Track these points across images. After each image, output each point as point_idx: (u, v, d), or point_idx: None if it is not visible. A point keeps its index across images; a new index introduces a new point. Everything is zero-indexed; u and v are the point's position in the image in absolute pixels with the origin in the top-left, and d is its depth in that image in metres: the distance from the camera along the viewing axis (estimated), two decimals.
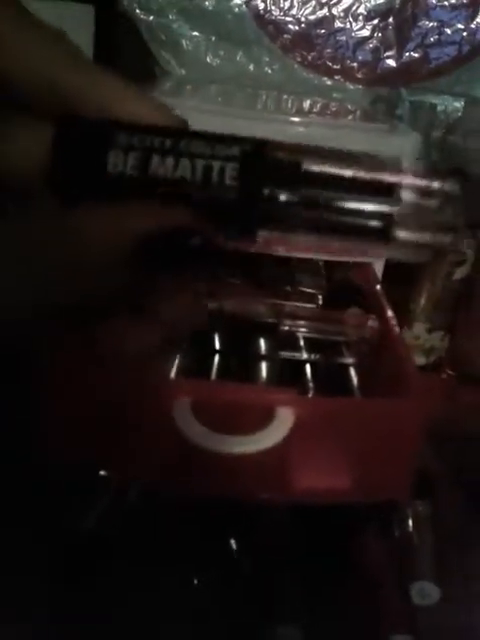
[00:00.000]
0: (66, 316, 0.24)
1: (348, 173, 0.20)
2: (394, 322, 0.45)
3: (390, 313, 0.47)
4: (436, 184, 0.20)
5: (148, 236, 0.20)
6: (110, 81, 0.21)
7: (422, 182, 0.20)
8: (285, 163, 0.20)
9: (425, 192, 0.20)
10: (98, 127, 0.20)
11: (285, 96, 0.68)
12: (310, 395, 0.44)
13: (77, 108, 0.21)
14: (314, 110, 0.66)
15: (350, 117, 0.64)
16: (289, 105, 0.67)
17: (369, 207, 0.20)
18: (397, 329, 0.45)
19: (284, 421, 0.35)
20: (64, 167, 0.20)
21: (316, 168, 0.20)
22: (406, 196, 0.20)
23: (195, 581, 0.40)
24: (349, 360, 0.47)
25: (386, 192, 0.20)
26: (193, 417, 0.35)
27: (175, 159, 0.20)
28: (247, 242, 0.21)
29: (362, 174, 0.20)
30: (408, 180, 0.20)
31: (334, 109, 0.67)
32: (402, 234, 0.20)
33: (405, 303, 0.68)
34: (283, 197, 0.20)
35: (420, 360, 0.69)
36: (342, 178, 0.20)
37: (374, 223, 0.20)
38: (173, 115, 0.22)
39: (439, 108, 0.71)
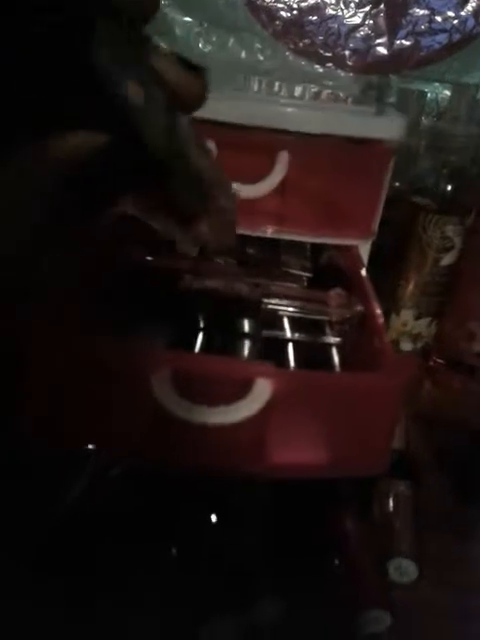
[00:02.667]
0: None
1: None
2: (376, 304, 0.46)
3: (373, 295, 0.47)
4: None
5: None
6: None
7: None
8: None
9: None
10: None
11: (277, 83, 0.68)
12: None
13: None
14: (306, 97, 0.67)
15: (341, 97, 0.64)
16: (281, 92, 0.67)
17: None
18: (379, 310, 0.45)
19: (261, 393, 0.35)
20: None
21: None
22: None
23: (174, 551, 0.40)
24: (331, 340, 0.47)
25: None
26: (171, 387, 0.35)
27: None
28: None
29: None
30: None
31: (325, 97, 0.67)
32: None
33: (393, 290, 0.68)
34: None
35: (407, 346, 0.69)
36: None
37: None
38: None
39: (429, 96, 0.71)
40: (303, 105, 0.52)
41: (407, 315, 0.68)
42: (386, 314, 0.68)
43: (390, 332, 0.68)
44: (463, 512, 0.52)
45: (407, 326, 0.68)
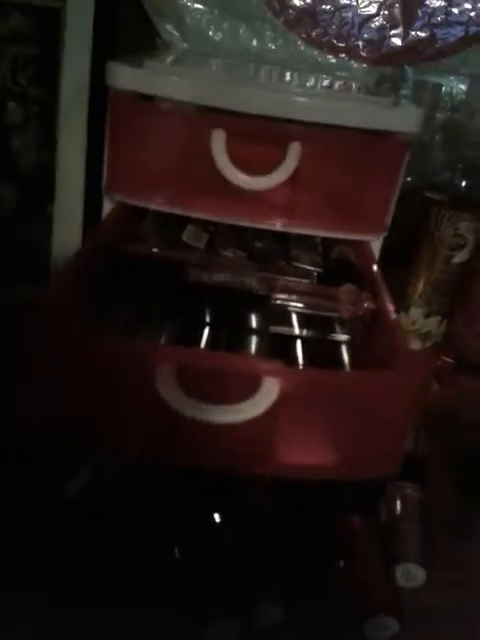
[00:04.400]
0: None
1: None
2: (389, 300, 0.44)
3: (385, 291, 0.46)
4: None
5: None
6: None
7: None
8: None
9: None
10: None
11: (288, 72, 0.67)
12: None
13: None
14: (318, 88, 0.65)
15: (356, 88, 0.63)
16: (292, 82, 0.66)
17: None
18: (392, 307, 0.44)
19: (269, 391, 0.34)
20: None
21: None
22: None
23: (176, 552, 0.39)
24: (341, 337, 0.46)
25: None
26: (176, 384, 0.34)
27: None
28: None
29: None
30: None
31: (338, 87, 0.66)
32: None
33: (403, 287, 0.67)
34: None
35: (416, 345, 0.68)
36: None
37: None
38: None
39: (444, 89, 0.70)
40: (316, 95, 0.51)
41: (416, 313, 0.67)
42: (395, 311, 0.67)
43: None
44: (470, 514, 0.51)
45: (416, 325, 0.67)
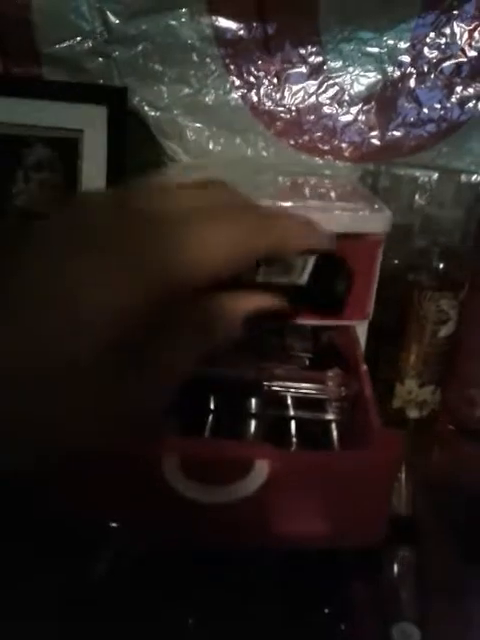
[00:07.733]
0: None
1: None
2: (368, 381, 0.50)
3: (365, 374, 0.52)
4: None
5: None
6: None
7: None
8: None
9: None
10: None
11: (280, 177, 0.75)
12: (293, 448, 0.49)
13: None
14: (307, 186, 0.73)
15: (335, 193, 0.70)
16: (284, 184, 0.74)
17: None
18: (369, 387, 0.50)
19: (260, 472, 0.40)
20: None
21: None
22: None
23: (190, 622, 0.44)
24: (331, 417, 0.52)
25: None
26: (181, 472, 0.40)
27: None
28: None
29: None
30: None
31: (323, 190, 0.73)
32: None
33: (397, 360, 0.73)
34: None
35: (414, 413, 0.73)
36: None
37: None
38: None
39: (421, 180, 0.77)
40: (301, 207, 0.58)
41: (411, 384, 0.72)
42: (391, 383, 0.72)
43: (396, 400, 0.72)
44: (468, 576, 0.54)
45: (412, 394, 0.72)
